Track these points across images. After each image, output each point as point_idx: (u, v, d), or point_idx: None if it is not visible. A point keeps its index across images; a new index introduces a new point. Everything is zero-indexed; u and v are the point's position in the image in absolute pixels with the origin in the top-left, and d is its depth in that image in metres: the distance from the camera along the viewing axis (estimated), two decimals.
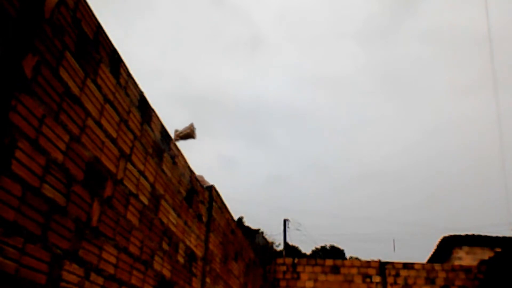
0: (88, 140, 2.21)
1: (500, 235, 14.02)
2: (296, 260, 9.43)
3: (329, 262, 9.35)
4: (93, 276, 2.26)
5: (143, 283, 2.89)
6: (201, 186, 4.46)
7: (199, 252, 4.26)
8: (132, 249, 2.73)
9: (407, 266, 9.19)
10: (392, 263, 9.26)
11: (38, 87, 1.81)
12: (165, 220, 3.31)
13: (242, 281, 6.37)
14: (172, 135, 7.82)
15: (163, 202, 3.27)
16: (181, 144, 8.34)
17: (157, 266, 3.14)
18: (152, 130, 3.06)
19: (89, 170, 2.23)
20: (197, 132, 8.42)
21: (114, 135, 2.49)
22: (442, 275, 9.04)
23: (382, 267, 9.21)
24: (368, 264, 9.34)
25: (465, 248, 14.06)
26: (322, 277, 9.13)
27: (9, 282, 1.65)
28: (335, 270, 9.20)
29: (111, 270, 2.45)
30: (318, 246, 32.43)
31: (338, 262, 9.44)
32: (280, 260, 9.50)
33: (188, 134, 8.24)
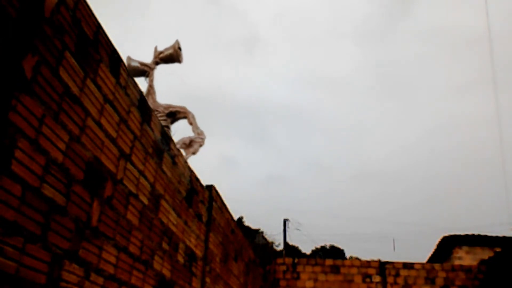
0: (88, 140, 2.21)
1: (500, 235, 14.03)
2: (296, 260, 9.43)
3: (329, 262, 9.35)
4: (93, 276, 2.26)
5: (143, 283, 2.89)
6: (201, 186, 4.46)
7: (199, 252, 4.26)
8: (132, 249, 2.73)
9: (407, 266, 9.19)
10: (392, 263, 9.26)
11: (38, 87, 1.81)
12: (165, 220, 3.31)
13: (242, 281, 6.36)
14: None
15: (163, 202, 3.27)
16: (164, 68, 7.32)
17: (157, 266, 3.14)
18: (152, 130, 3.06)
19: (89, 170, 2.23)
20: (184, 55, 6.98)
21: (114, 135, 2.49)
22: (442, 275, 9.04)
23: (382, 267, 9.21)
24: (368, 264, 9.34)
25: (465, 248, 14.06)
26: (322, 277, 9.13)
27: (9, 282, 1.65)
28: (335, 270, 9.19)
29: (111, 270, 2.45)
30: (318, 246, 32.46)
31: (338, 262, 9.44)
32: (280, 260, 9.50)
33: (172, 56, 6.86)
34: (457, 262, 13.14)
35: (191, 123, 6.88)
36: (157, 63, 6.96)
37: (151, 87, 6.79)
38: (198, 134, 6.77)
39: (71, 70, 2.04)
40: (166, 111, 6.69)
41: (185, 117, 6.89)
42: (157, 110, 6.50)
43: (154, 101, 6.70)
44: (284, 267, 9.30)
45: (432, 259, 15.38)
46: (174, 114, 6.81)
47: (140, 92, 2.87)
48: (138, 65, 6.85)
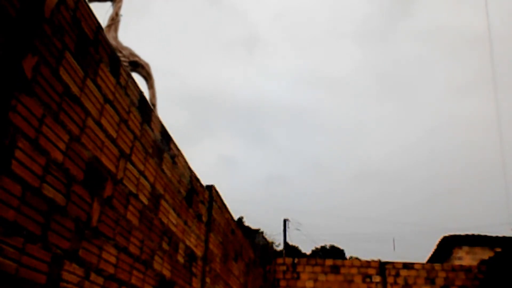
0: (88, 140, 2.21)
1: (500, 235, 14.02)
2: (296, 260, 9.43)
3: (329, 262, 9.35)
4: (93, 276, 2.26)
5: (143, 283, 2.89)
6: (201, 186, 4.46)
7: (199, 252, 4.26)
8: (132, 249, 2.73)
9: (407, 266, 9.19)
10: (392, 263, 9.26)
11: (38, 87, 1.81)
12: (165, 220, 3.31)
13: (242, 281, 6.36)
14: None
15: (163, 202, 3.27)
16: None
17: (157, 266, 3.14)
18: (152, 130, 3.06)
19: (89, 170, 2.22)
20: None
21: (114, 135, 2.49)
22: (442, 275, 9.04)
23: (382, 267, 9.21)
24: (368, 264, 9.34)
25: (465, 248, 14.05)
26: (322, 277, 9.13)
27: (9, 282, 1.65)
28: (335, 270, 9.19)
29: (111, 270, 2.45)
30: (318, 246, 32.45)
31: (338, 262, 9.44)
32: (280, 260, 9.50)
33: None
34: (457, 262, 13.14)
35: (153, 105, 5.88)
36: None
37: (116, 15, 5.63)
38: None
39: (71, 70, 2.04)
40: (131, 58, 5.75)
41: (145, 78, 5.94)
42: (120, 52, 5.47)
43: (116, 38, 5.53)
44: (284, 267, 9.30)
45: (432, 259, 15.38)
46: (137, 66, 5.88)
47: (140, 92, 2.87)
48: None
